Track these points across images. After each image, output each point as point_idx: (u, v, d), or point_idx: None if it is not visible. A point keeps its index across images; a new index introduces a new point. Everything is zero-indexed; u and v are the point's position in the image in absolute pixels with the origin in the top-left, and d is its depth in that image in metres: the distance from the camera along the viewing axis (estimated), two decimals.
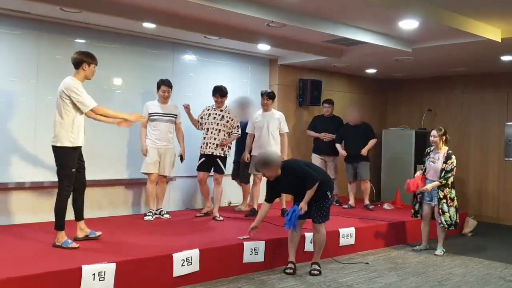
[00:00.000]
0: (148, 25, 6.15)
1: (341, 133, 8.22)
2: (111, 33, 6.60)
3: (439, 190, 6.31)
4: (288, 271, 5.23)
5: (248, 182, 7.35)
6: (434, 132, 6.42)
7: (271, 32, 6.53)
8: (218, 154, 6.65)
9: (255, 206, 6.96)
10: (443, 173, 6.26)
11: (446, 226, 6.33)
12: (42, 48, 6.08)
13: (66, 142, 4.73)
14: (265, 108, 6.95)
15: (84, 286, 4.07)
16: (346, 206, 8.08)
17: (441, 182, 6.25)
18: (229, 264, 5.08)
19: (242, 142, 7.11)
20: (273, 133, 6.87)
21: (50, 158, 6.06)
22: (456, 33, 6.09)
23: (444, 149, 6.40)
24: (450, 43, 6.57)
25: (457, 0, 5.25)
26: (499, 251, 6.80)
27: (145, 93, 6.87)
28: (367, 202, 8.19)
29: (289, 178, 5.17)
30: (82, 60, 4.83)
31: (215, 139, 6.63)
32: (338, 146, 8.18)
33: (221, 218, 6.63)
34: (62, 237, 4.81)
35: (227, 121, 6.71)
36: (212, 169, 6.74)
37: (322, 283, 4.99)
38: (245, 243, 5.24)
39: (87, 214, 5.36)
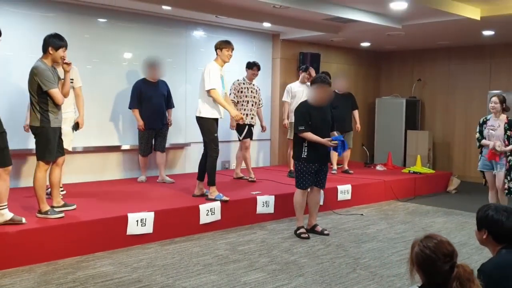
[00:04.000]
0: (166, 7, 6.88)
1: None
2: (130, 13, 7.29)
3: (508, 158, 5.95)
4: (303, 236, 5.51)
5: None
6: (495, 99, 6.07)
7: (275, 12, 7.27)
8: (253, 124, 7.48)
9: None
10: (511, 140, 5.92)
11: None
12: (73, 29, 6.75)
13: (207, 114, 5.72)
14: (306, 81, 7.81)
15: (130, 231, 4.97)
16: (333, 172, 8.21)
17: None
18: (245, 215, 5.99)
19: (161, 110, 7.00)
20: None
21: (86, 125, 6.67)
22: (439, 13, 6.85)
23: (502, 117, 6.05)
24: (435, 21, 7.33)
25: None
26: (478, 205, 7.64)
27: None
28: (346, 167, 8.51)
29: (327, 112, 5.55)
30: (216, 47, 5.81)
31: (252, 110, 7.40)
32: None
33: (247, 177, 7.50)
34: (214, 191, 5.82)
35: (259, 93, 7.58)
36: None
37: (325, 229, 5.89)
38: (258, 197, 6.14)
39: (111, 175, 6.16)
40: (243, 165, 7.65)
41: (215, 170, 5.88)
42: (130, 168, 7.49)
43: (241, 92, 7.37)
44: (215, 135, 5.82)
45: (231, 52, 5.88)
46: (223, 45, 5.83)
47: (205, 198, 5.83)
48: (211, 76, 5.68)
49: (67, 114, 5.58)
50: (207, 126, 5.78)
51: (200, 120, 5.81)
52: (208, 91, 5.70)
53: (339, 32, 8.55)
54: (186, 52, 8.01)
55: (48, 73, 4.66)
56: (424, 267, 2.21)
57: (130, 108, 6.97)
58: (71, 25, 6.72)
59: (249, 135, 7.46)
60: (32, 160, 6.10)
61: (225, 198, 5.80)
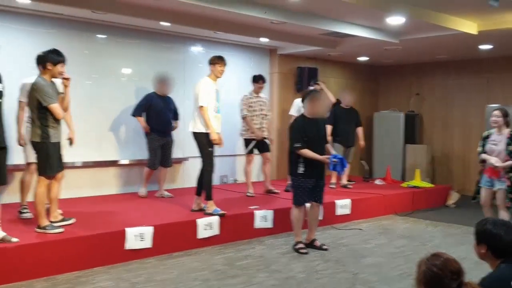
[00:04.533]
0: (165, 24, 6.93)
1: (334, 115, 8.29)
2: (129, 29, 7.35)
3: (509, 175, 5.72)
4: (302, 251, 5.51)
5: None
6: (497, 113, 5.84)
7: (273, 27, 7.32)
8: (266, 136, 7.47)
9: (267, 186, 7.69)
10: None
11: None
12: (73, 44, 6.78)
13: (203, 128, 5.73)
14: None
15: (128, 245, 4.95)
16: (332, 186, 8.20)
17: None
18: (243, 229, 5.98)
19: (169, 122, 7.14)
20: None
21: (81, 142, 6.67)
22: (437, 28, 6.90)
23: (505, 131, 5.82)
24: (432, 36, 7.39)
25: (436, 1, 6.07)
26: (477, 219, 7.62)
27: None
28: (345, 182, 8.51)
29: (322, 126, 5.62)
30: (209, 62, 5.89)
31: (262, 123, 7.41)
32: (329, 127, 7.79)
33: (277, 190, 7.54)
34: (212, 206, 5.82)
35: (267, 105, 7.59)
36: (256, 150, 7.41)
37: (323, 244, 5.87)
38: (256, 211, 6.13)
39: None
40: (242, 178, 7.64)
41: (211, 185, 5.89)
42: (129, 183, 7.49)
43: (251, 106, 7.36)
44: (210, 149, 5.83)
45: (224, 67, 5.97)
46: (216, 61, 5.92)
47: (203, 213, 5.83)
48: (202, 92, 5.73)
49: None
50: (203, 140, 5.80)
51: (196, 135, 5.83)
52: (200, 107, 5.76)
53: (336, 47, 8.60)
54: (184, 67, 8.05)
55: (47, 88, 4.69)
56: (431, 285, 2.20)
57: (133, 115, 6.98)
58: (71, 41, 6.76)
59: (263, 148, 7.43)
60: (17, 176, 6.13)
61: (221, 212, 5.78)
